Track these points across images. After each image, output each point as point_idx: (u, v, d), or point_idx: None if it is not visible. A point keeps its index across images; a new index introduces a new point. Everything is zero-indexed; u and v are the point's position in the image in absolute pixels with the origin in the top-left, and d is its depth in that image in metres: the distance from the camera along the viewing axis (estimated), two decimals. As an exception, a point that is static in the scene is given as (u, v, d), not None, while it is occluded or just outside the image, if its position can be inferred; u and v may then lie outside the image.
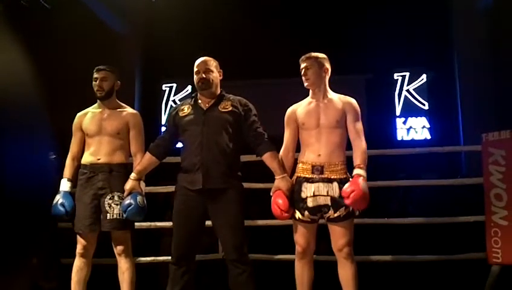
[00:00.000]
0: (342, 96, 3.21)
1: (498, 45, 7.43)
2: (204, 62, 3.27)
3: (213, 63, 3.29)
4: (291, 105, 3.31)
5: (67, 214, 3.25)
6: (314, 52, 3.23)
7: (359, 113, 3.16)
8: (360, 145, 3.08)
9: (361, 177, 2.96)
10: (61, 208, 3.23)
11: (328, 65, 3.20)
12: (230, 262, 3.10)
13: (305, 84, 3.20)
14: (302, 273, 3.12)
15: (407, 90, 9.06)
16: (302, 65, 3.20)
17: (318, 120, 3.11)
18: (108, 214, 3.27)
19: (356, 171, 3.01)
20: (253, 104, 3.30)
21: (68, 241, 3.57)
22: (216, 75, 3.27)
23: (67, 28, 7.04)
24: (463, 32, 8.17)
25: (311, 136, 3.11)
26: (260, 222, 4.34)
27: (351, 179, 3.01)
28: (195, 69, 3.27)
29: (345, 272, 3.04)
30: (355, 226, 3.14)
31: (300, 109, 3.21)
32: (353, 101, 3.19)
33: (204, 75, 3.21)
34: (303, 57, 3.22)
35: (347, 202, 2.93)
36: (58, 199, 3.26)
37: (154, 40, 8.52)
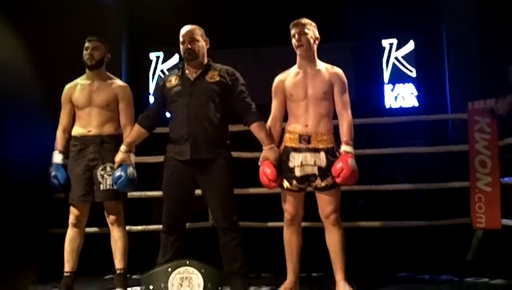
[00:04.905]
0: (330, 66, 3.17)
1: (486, 12, 7.42)
2: (190, 31, 3.18)
3: (199, 32, 3.21)
4: (278, 73, 3.27)
5: (61, 185, 3.27)
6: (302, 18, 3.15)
7: (346, 84, 3.14)
8: (346, 118, 3.08)
9: (350, 155, 2.99)
10: (55, 181, 3.26)
11: (317, 34, 3.15)
12: (221, 230, 3.15)
13: (298, 50, 3.12)
14: (290, 239, 3.17)
15: (395, 57, 9.05)
16: (294, 30, 3.10)
17: (306, 91, 3.08)
18: (101, 185, 3.30)
19: (344, 148, 3.03)
20: (241, 73, 3.26)
21: (60, 211, 3.60)
22: (202, 44, 3.20)
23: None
24: (451, -2, 8.13)
25: (299, 107, 3.10)
26: (250, 190, 4.39)
27: (338, 155, 3.02)
28: (180, 39, 3.19)
29: (332, 238, 3.09)
30: (342, 193, 3.18)
31: (288, 79, 3.17)
32: (340, 72, 3.15)
33: (189, 46, 3.15)
34: (295, 21, 3.12)
35: (337, 180, 2.97)
36: (51, 171, 3.27)
37: (140, 8, 8.39)
